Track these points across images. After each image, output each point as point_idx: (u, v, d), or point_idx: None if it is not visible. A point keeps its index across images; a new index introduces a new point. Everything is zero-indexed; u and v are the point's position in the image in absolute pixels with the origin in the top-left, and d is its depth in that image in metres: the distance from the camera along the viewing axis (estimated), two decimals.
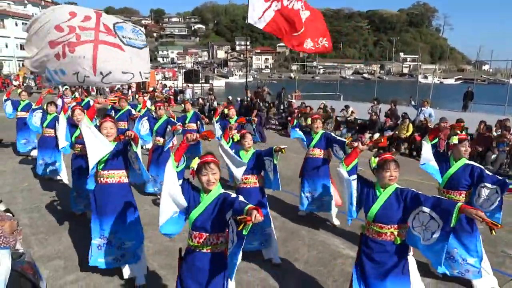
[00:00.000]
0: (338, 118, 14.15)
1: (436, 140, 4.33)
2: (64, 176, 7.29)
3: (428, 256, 2.92)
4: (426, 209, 2.75)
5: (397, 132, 11.62)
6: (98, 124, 4.04)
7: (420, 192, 2.91)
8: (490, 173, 3.87)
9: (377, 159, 3.08)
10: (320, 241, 5.24)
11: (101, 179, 3.89)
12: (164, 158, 6.36)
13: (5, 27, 49.62)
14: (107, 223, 3.85)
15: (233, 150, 4.77)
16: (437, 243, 2.70)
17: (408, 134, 11.38)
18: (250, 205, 2.26)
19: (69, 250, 4.72)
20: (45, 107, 7.48)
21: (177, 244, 4.88)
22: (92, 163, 3.71)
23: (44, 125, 7.41)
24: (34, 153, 8.93)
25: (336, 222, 5.72)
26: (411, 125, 11.51)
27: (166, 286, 4.00)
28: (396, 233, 2.96)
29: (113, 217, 3.85)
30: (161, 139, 6.69)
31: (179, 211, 2.71)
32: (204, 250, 2.67)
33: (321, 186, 5.65)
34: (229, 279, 2.73)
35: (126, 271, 3.99)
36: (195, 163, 2.66)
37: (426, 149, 4.24)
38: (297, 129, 5.94)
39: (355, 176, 3.21)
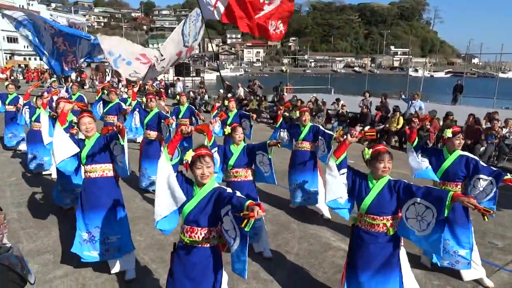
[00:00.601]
0: (329, 111, 14.18)
1: (417, 141, 4.34)
2: (54, 170, 7.22)
3: (424, 246, 2.94)
4: (420, 199, 2.76)
5: (387, 125, 11.69)
6: (76, 121, 3.97)
7: (412, 183, 2.92)
8: (485, 165, 3.90)
9: (370, 150, 3.07)
10: (311, 233, 5.26)
11: (86, 173, 3.87)
12: (155, 152, 6.31)
13: None
14: (91, 218, 3.82)
15: (224, 144, 4.76)
16: (433, 234, 2.72)
17: (399, 127, 11.46)
18: (250, 201, 2.24)
19: (58, 245, 4.68)
20: (34, 100, 7.35)
21: (168, 238, 4.88)
22: (58, 159, 3.66)
23: (33, 119, 7.33)
24: (23, 147, 8.81)
25: (328, 215, 5.74)
26: (401, 118, 11.59)
27: (157, 280, 3.98)
28: (388, 224, 2.97)
29: (97, 212, 3.81)
30: (152, 133, 6.56)
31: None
32: (197, 245, 2.64)
33: (309, 179, 5.68)
34: (223, 274, 2.74)
35: (113, 265, 3.98)
36: (189, 155, 2.60)
37: (412, 158, 4.25)
38: (281, 131, 5.95)
39: (345, 170, 3.20)
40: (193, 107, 8.30)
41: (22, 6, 50.62)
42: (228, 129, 4.67)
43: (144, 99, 7.22)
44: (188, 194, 2.65)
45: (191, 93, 20.10)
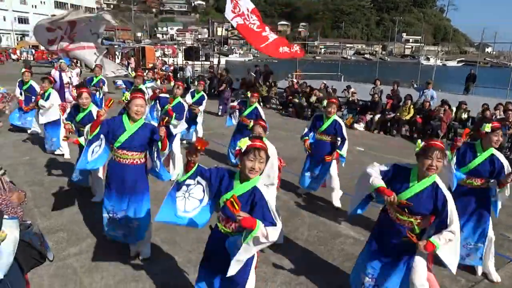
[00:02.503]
0: (339, 98, 14.06)
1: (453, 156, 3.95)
2: (66, 151, 7.30)
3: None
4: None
5: (398, 114, 11.58)
6: (127, 98, 3.70)
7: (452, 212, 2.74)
8: (505, 171, 3.74)
9: (423, 143, 2.84)
10: (320, 221, 5.28)
11: (116, 157, 3.76)
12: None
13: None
14: (117, 201, 3.79)
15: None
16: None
17: (410, 116, 11.35)
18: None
19: (71, 223, 4.76)
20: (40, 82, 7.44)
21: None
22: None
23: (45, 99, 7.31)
24: (34, 129, 8.88)
25: (338, 204, 5.74)
26: (412, 107, 11.47)
27: (169, 260, 4.05)
28: (415, 223, 2.87)
29: (123, 196, 3.76)
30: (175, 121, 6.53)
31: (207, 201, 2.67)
32: (230, 234, 2.59)
33: (323, 170, 5.69)
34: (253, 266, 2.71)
35: (133, 248, 4.05)
36: (244, 143, 2.43)
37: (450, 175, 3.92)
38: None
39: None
40: (205, 95, 8.57)
41: None
42: (250, 123, 4.55)
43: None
44: (226, 188, 2.57)
45: (215, 70, 19.60)
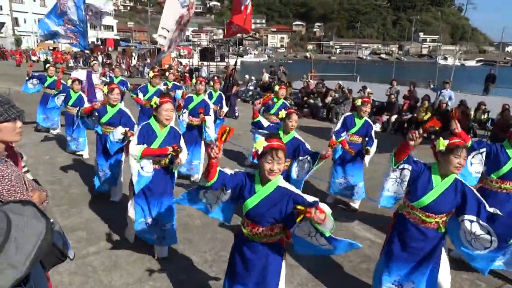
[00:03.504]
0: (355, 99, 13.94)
1: (470, 143, 3.84)
2: (86, 153, 7.41)
3: (472, 260, 2.83)
4: (483, 223, 2.64)
5: (415, 115, 11.43)
6: (157, 103, 3.68)
7: (478, 197, 2.72)
8: None
9: (446, 141, 2.76)
10: (337, 222, 5.23)
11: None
12: (196, 138, 6.29)
13: (23, 2, 49.88)
14: (153, 204, 3.81)
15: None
16: (489, 254, 2.66)
17: (427, 117, 11.17)
18: (313, 201, 2.27)
19: (90, 223, 4.85)
20: (69, 83, 7.40)
21: (194, 220, 4.99)
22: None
23: (69, 104, 7.33)
24: (55, 131, 9.06)
25: (355, 206, 5.67)
26: (430, 108, 11.30)
27: (185, 260, 4.08)
28: (441, 221, 2.82)
29: (158, 199, 3.80)
30: (195, 119, 6.25)
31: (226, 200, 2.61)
32: (258, 241, 2.50)
33: (356, 173, 5.51)
34: (282, 272, 2.63)
35: (158, 250, 4.08)
36: (260, 145, 2.32)
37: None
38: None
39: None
40: (222, 94, 8.05)
41: None
42: (282, 113, 4.30)
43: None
44: (249, 192, 2.48)
45: (230, 70, 19.49)
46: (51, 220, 2.49)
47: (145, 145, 3.63)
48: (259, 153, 2.33)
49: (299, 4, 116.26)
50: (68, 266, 3.75)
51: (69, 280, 3.64)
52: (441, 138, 2.80)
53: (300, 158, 4.17)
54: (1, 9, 46.80)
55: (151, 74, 8.01)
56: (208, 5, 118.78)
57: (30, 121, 9.23)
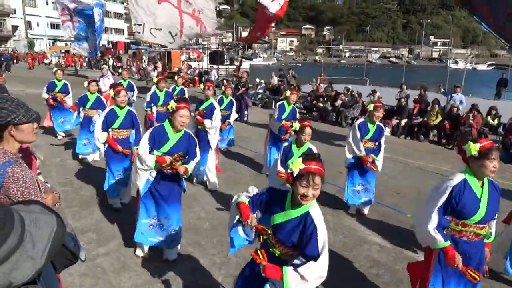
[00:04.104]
0: (364, 103, 13.88)
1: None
2: (97, 155, 7.41)
3: None
4: None
5: (425, 119, 11.34)
6: (173, 108, 3.65)
7: None
8: None
9: (477, 145, 2.60)
10: (345, 226, 5.23)
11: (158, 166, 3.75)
12: (204, 143, 6.07)
13: (36, 6, 50.75)
14: (162, 206, 3.83)
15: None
16: None
17: (438, 121, 11.09)
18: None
19: (100, 224, 4.89)
20: (85, 84, 7.23)
21: (203, 223, 5.01)
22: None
23: (87, 106, 7.12)
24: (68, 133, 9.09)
25: (365, 211, 5.63)
26: (440, 112, 11.21)
27: (194, 262, 4.10)
28: (487, 228, 2.74)
29: (167, 202, 3.82)
30: (208, 122, 6.13)
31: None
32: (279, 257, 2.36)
33: (371, 179, 5.48)
34: None
35: (165, 250, 4.11)
36: (297, 166, 2.12)
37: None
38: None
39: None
40: (234, 100, 7.91)
41: None
42: (296, 125, 4.24)
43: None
44: (278, 207, 2.33)
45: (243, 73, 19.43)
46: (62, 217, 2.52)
47: (155, 153, 3.65)
48: (294, 175, 2.13)
49: (309, 7, 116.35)
50: (79, 268, 3.78)
51: (80, 281, 3.68)
52: (471, 142, 2.64)
53: None
54: (15, 12, 47.68)
55: (155, 79, 8.03)
56: (218, 9, 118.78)
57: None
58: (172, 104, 3.67)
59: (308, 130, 4.17)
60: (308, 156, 2.18)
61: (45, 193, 2.38)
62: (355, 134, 5.33)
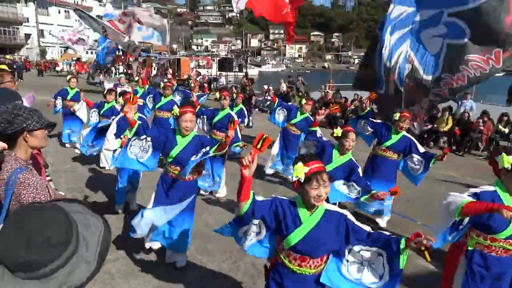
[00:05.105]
0: (374, 109, 13.81)
1: None
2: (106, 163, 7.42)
3: None
4: None
5: (436, 125, 11.24)
6: (177, 114, 3.61)
7: None
8: None
9: (510, 157, 2.45)
10: None
11: (170, 173, 3.74)
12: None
13: (49, 14, 51.76)
14: (174, 209, 3.76)
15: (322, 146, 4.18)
16: None
17: (448, 127, 10.99)
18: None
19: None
20: (104, 92, 7.32)
21: (211, 230, 5.00)
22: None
23: (101, 113, 7.10)
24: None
25: (383, 224, 5.39)
26: (450, 118, 11.11)
27: (202, 269, 4.10)
28: None
29: (175, 208, 3.75)
30: (220, 134, 6.03)
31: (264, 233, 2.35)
32: (306, 273, 2.24)
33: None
34: None
35: (169, 255, 4.11)
36: (301, 172, 2.07)
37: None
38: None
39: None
40: (244, 109, 7.72)
41: (77, 2, 53.38)
42: (338, 131, 3.92)
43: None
44: (293, 222, 2.20)
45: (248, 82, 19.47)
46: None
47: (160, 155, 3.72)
48: (302, 180, 2.09)
49: (318, 14, 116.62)
50: None
51: (88, 286, 3.68)
52: (504, 154, 2.46)
53: (351, 183, 3.86)
54: (28, 21, 48.61)
55: (162, 85, 8.07)
56: (227, 16, 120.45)
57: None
58: (176, 110, 3.65)
59: (352, 135, 3.87)
60: (306, 158, 2.14)
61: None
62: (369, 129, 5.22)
